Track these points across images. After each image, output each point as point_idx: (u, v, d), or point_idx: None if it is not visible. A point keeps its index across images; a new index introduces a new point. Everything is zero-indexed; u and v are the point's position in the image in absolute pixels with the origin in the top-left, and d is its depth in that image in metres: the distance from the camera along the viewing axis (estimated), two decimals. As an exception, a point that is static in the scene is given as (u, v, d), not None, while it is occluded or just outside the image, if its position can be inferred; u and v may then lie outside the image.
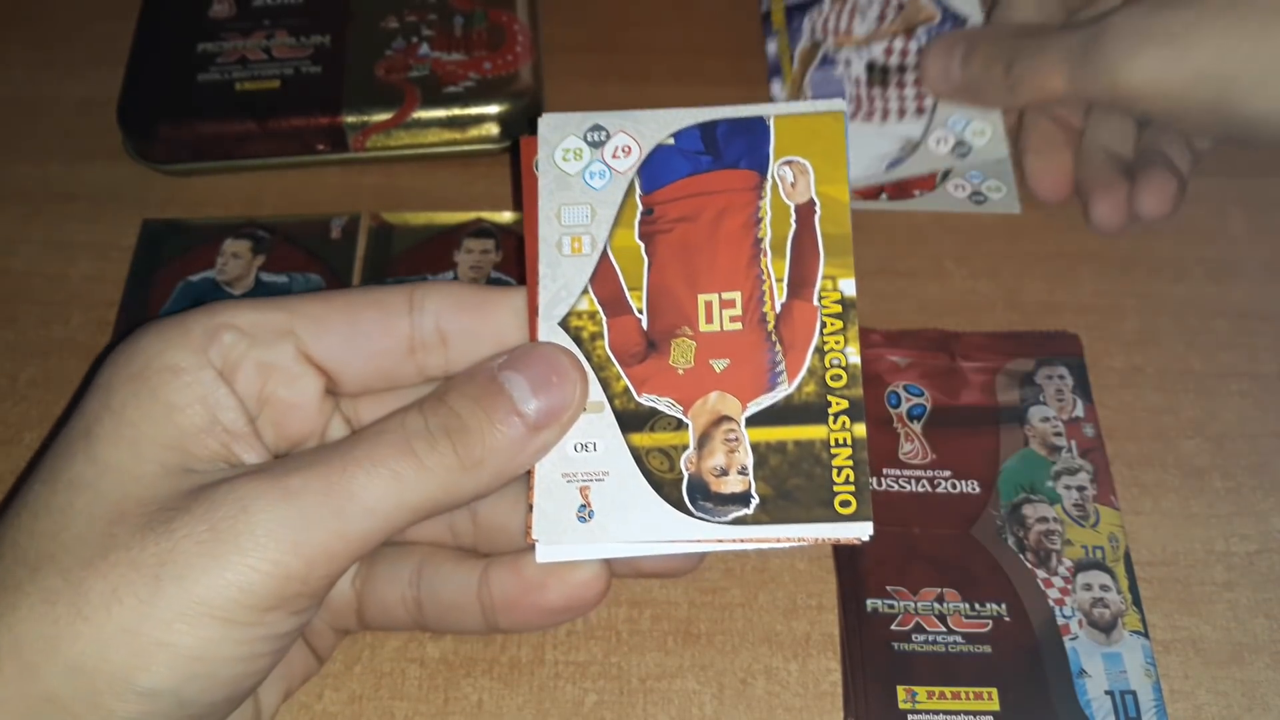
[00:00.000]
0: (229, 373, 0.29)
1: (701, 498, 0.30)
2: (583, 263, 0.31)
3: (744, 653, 0.36)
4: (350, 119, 0.46)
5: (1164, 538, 0.39)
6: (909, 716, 0.34)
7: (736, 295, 0.31)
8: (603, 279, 0.31)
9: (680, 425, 0.30)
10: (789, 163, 0.31)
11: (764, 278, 0.31)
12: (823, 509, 0.29)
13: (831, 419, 0.30)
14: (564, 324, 0.31)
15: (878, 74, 0.48)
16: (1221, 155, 0.48)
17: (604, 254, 0.31)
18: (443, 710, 0.35)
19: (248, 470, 0.28)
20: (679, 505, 0.30)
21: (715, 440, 0.30)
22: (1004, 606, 0.36)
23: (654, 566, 0.33)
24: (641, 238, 0.31)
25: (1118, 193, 0.43)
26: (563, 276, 0.31)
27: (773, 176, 0.31)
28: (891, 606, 0.36)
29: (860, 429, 0.30)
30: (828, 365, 0.30)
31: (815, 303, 0.30)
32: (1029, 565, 0.37)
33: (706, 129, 0.32)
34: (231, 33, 0.48)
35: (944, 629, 0.36)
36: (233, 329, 0.29)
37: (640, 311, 0.31)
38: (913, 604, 0.36)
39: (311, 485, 0.27)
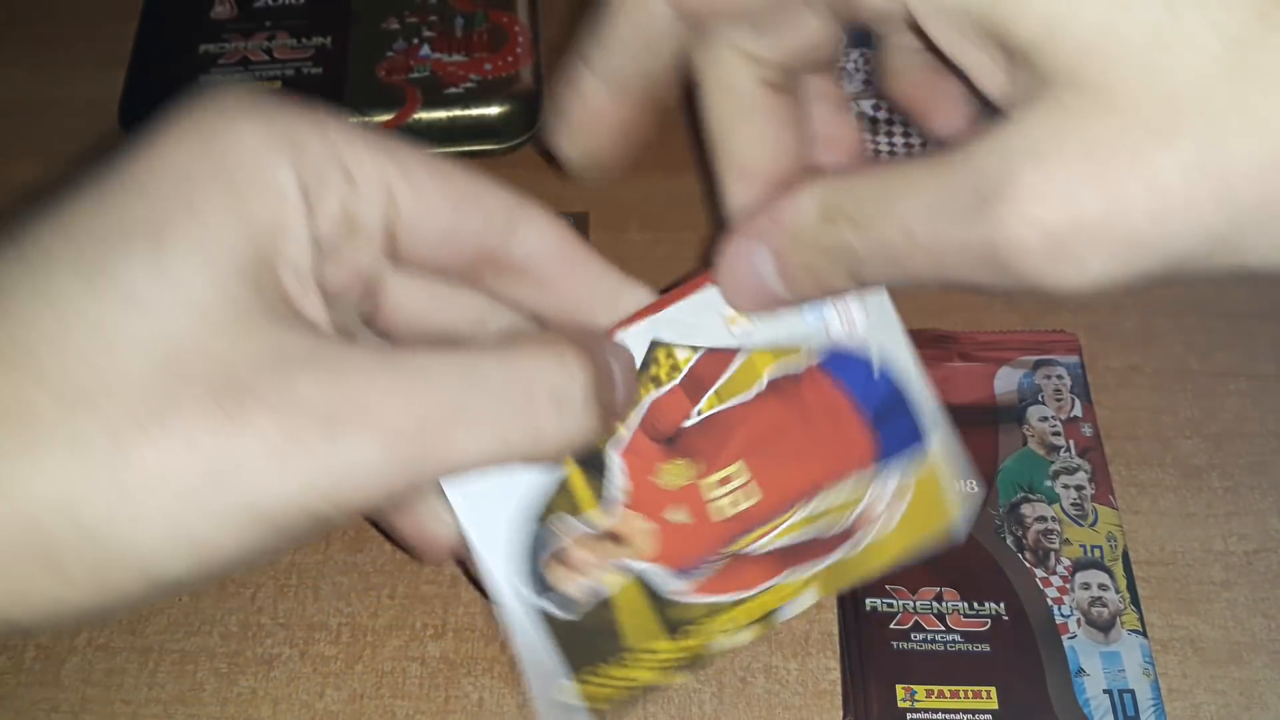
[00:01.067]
0: (314, 202, 0.24)
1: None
2: None
3: (744, 652, 0.37)
4: (351, 120, 0.46)
5: (1162, 537, 0.39)
6: (908, 715, 0.34)
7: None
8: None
9: None
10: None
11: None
12: None
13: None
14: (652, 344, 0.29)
15: (868, 122, 0.49)
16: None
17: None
18: (443, 709, 0.35)
19: (342, 356, 0.23)
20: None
21: None
22: (1002, 605, 0.36)
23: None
24: None
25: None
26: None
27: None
28: (890, 605, 0.36)
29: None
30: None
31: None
32: (1027, 564, 0.37)
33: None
34: (233, 34, 0.49)
35: (943, 628, 0.36)
36: (339, 160, 0.25)
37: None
38: (911, 603, 0.36)
39: (407, 424, 0.23)
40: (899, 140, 0.49)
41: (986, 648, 0.36)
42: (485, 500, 0.28)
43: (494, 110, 0.47)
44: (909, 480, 0.29)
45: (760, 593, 0.29)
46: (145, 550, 0.21)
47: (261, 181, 0.23)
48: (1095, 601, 0.37)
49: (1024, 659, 0.35)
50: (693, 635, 0.29)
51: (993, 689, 0.35)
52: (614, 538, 0.29)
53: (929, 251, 0.24)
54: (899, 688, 0.35)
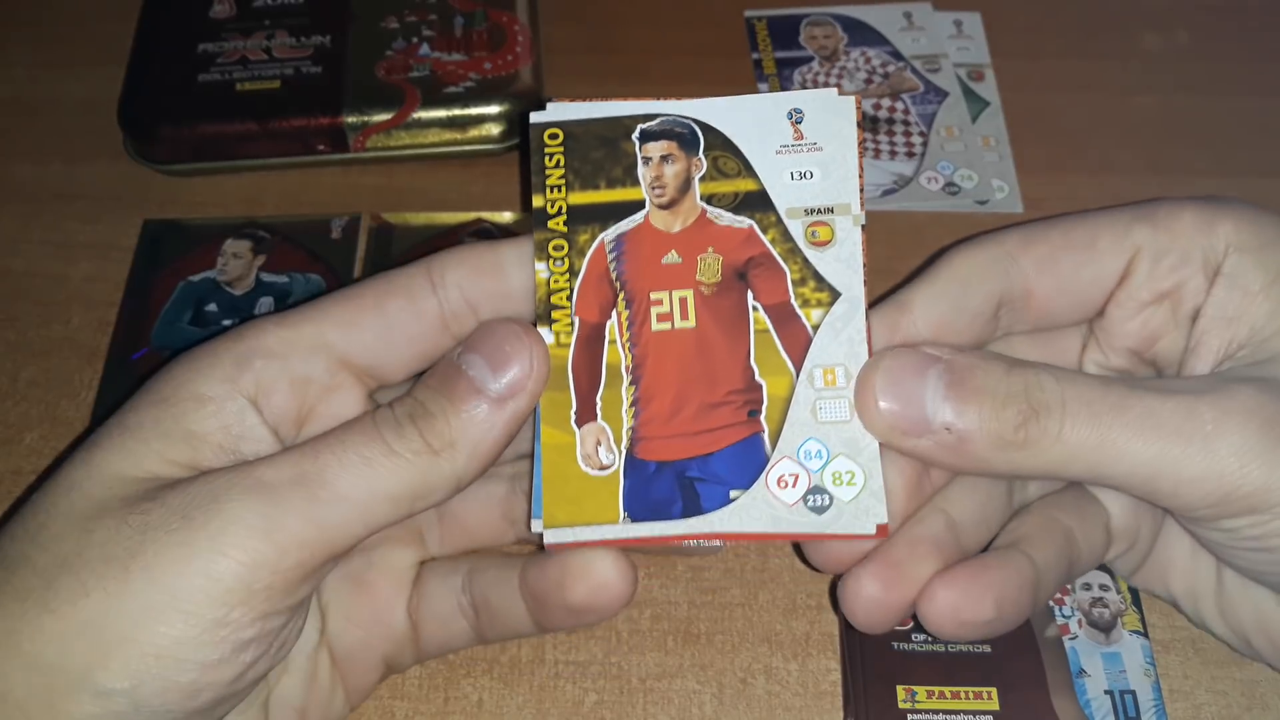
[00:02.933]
0: (261, 399, 0.29)
1: None
2: None
3: (744, 652, 0.37)
4: (351, 119, 0.46)
5: (1163, 537, 0.39)
6: (909, 716, 0.34)
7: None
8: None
9: None
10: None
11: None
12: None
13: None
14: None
15: (869, 122, 0.49)
16: (1221, 155, 0.49)
17: None
18: (443, 710, 0.35)
19: (225, 466, 0.28)
20: None
21: None
22: (1004, 606, 0.36)
23: (691, 546, 0.32)
24: None
25: (902, 581, 0.29)
26: None
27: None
28: (891, 606, 0.36)
29: None
30: None
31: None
32: (1028, 565, 0.37)
33: None
34: (232, 33, 0.48)
35: (944, 629, 0.36)
36: (264, 352, 0.29)
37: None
38: (912, 604, 0.36)
39: (284, 473, 0.27)
40: (899, 140, 0.49)
41: (987, 649, 0.36)
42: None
43: (494, 109, 0.47)
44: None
45: None
46: (77, 659, 0.25)
47: (197, 405, 0.28)
48: (1096, 602, 0.37)
49: (1025, 660, 0.35)
50: None
51: (993, 690, 0.35)
52: None
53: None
54: (899, 688, 0.35)
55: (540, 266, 0.31)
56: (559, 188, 0.31)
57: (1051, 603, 0.36)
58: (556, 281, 0.31)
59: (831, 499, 0.29)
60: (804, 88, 0.50)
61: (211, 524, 0.26)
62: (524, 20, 0.49)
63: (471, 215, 0.46)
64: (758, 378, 0.30)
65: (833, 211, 0.31)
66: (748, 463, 0.30)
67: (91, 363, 0.42)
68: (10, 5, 0.53)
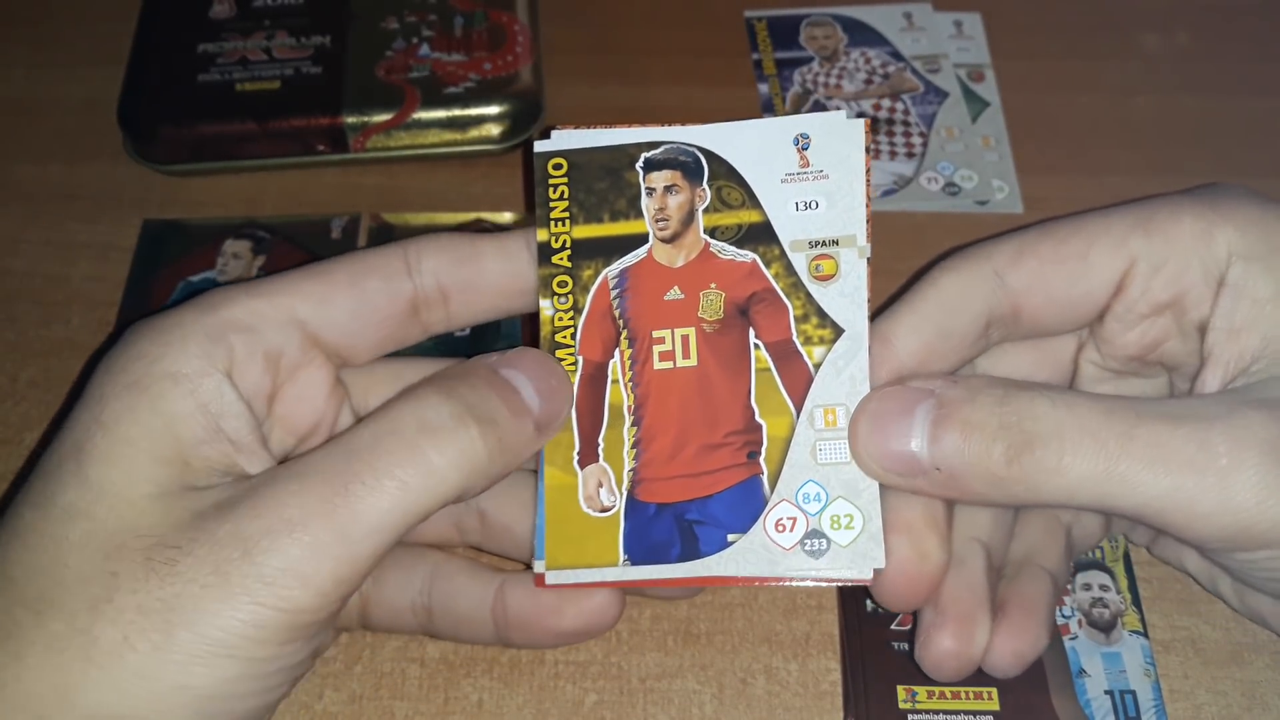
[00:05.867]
0: (236, 373, 0.28)
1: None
2: None
3: (744, 653, 0.37)
4: (350, 119, 0.46)
5: (1163, 538, 0.39)
6: (909, 716, 0.34)
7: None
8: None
9: None
10: None
11: None
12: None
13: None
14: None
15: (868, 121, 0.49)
16: (1221, 155, 0.48)
17: None
18: (443, 710, 0.35)
19: (247, 491, 0.27)
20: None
21: None
22: (1004, 606, 0.36)
23: (661, 591, 0.33)
24: None
25: (970, 629, 0.30)
26: None
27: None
28: (891, 606, 0.36)
29: None
30: None
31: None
32: (1029, 565, 0.37)
33: None
34: (232, 33, 0.48)
35: (944, 629, 0.36)
36: (237, 325, 0.28)
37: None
38: (912, 604, 0.36)
39: (314, 511, 0.26)
40: (899, 140, 0.48)
41: (987, 649, 0.36)
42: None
43: (494, 109, 0.47)
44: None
45: None
46: (136, 708, 0.25)
47: (172, 384, 0.27)
48: (1096, 602, 0.37)
49: (1025, 660, 0.35)
50: None
51: (994, 690, 0.35)
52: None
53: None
54: (900, 689, 0.35)
55: (545, 303, 0.31)
56: (563, 221, 0.31)
57: (1051, 603, 0.36)
58: (560, 319, 0.31)
59: (829, 543, 0.29)
60: (804, 87, 0.50)
61: (249, 581, 0.25)
62: (524, 20, 0.49)
63: (471, 215, 0.46)
64: (758, 418, 0.30)
65: (838, 244, 0.30)
66: (746, 506, 0.30)
67: (86, 362, 0.42)
68: (10, 5, 0.53)
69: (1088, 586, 0.37)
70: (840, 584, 0.30)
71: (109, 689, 0.25)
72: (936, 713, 0.34)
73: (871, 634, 0.36)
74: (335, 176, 0.48)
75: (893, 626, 0.36)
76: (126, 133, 0.47)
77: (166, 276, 0.44)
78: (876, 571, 0.29)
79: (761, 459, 0.30)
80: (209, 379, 0.28)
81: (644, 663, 0.36)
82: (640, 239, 0.31)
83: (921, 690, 0.35)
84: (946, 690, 0.35)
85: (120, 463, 0.27)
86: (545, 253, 0.31)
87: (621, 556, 0.30)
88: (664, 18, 0.53)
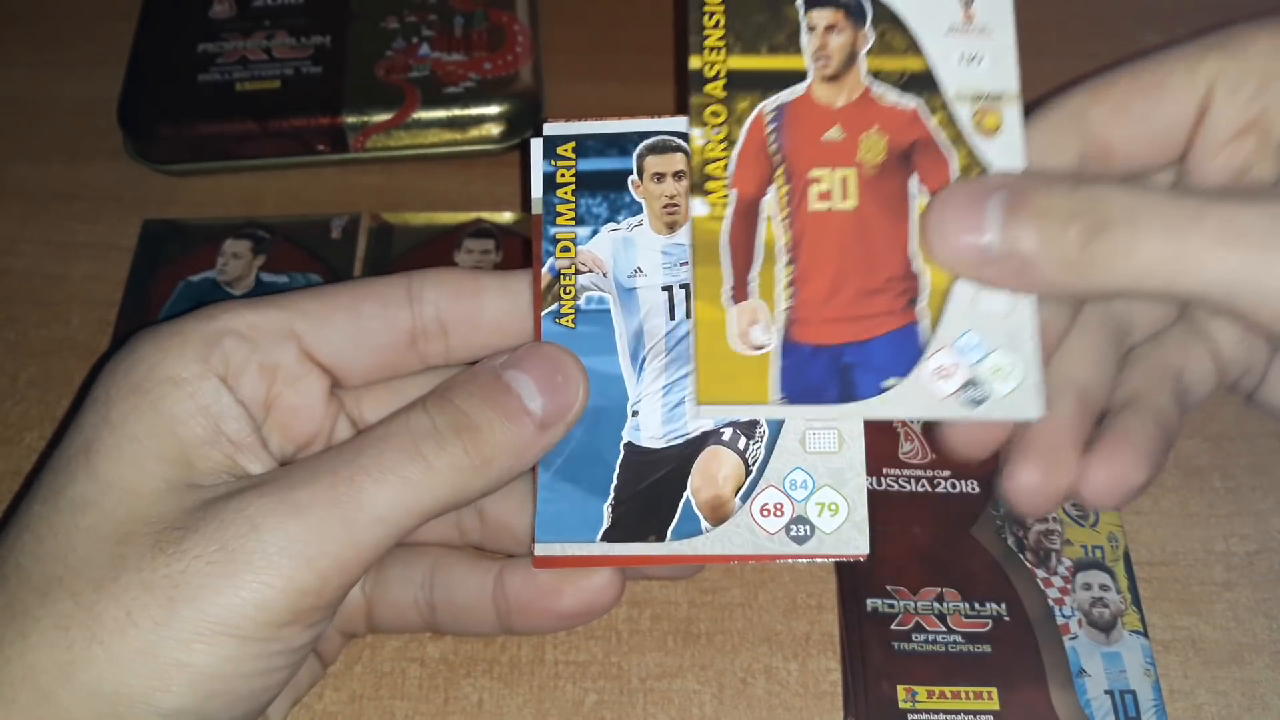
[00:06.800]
0: (232, 379, 0.29)
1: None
2: None
3: (744, 652, 0.37)
4: (350, 119, 0.46)
5: (1163, 537, 0.39)
6: (909, 716, 0.34)
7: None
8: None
9: None
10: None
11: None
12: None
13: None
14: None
15: None
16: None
17: None
18: (443, 710, 0.35)
19: (254, 483, 0.28)
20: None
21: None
22: (1004, 606, 0.36)
23: (659, 570, 0.33)
24: None
25: (1054, 463, 0.29)
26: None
27: None
28: (891, 606, 0.36)
29: None
30: None
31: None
32: (1028, 565, 0.37)
33: None
34: (232, 33, 0.48)
35: (944, 628, 0.36)
36: (234, 334, 0.29)
37: None
38: (912, 603, 0.36)
39: (320, 498, 0.27)
40: None
41: (988, 648, 0.36)
42: None
43: (494, 109, 0.47)
44: None
45: None
46: (138, 685, 0.25)
47: (173, 387, 0.28)
48: (1096, 602, 0.37)
49: (1025, 660, 0.35)
50: None
51: (994, 690, 0.35)
52: None
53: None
54: (900, 689, 0.35)
55: (696, 132, 0.30)
56: (718, 49, 0.30)
57: (1051, 602, 0.36)
58: (712, 150, 0.30)
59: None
60: None
61: (254, 557, 0.26)
62: (524, 20, 0.49)
63: (471, 215, 0.46)
64: (917, 266, 0.29)
65: (1000, 99, 0.30)
66: (905, 351, 0.29)
67: (91, 363, 0.42)
68: (10, 5, 0.53)
69: (1088, 586, 0.37)
70: (1001, 424, 0.29)
71: (110, 665, 0.25)
72: (936, 712, 0.34)
73: (871, 634, 0.36)
74: (335, 176, 0.48)
75: (893, 627, 0.36)
76: (126, 133, 0.47)
77: (166, 276, 0.44)
78: (1035, 421, 0.29)
79: (922, 306, 0.29)
80: (206, 383, 0.28)
81: (644, 663, 0.36)
82: (798, 75, 0.30)
83: (921, 690, 0.35)
84: (946, 690, 0.35)
85: (128, 459, 0.27)
86: (698, 81, 0.30)
87: (777, 394, 0.29)
88: (664, 18, 0.53)
